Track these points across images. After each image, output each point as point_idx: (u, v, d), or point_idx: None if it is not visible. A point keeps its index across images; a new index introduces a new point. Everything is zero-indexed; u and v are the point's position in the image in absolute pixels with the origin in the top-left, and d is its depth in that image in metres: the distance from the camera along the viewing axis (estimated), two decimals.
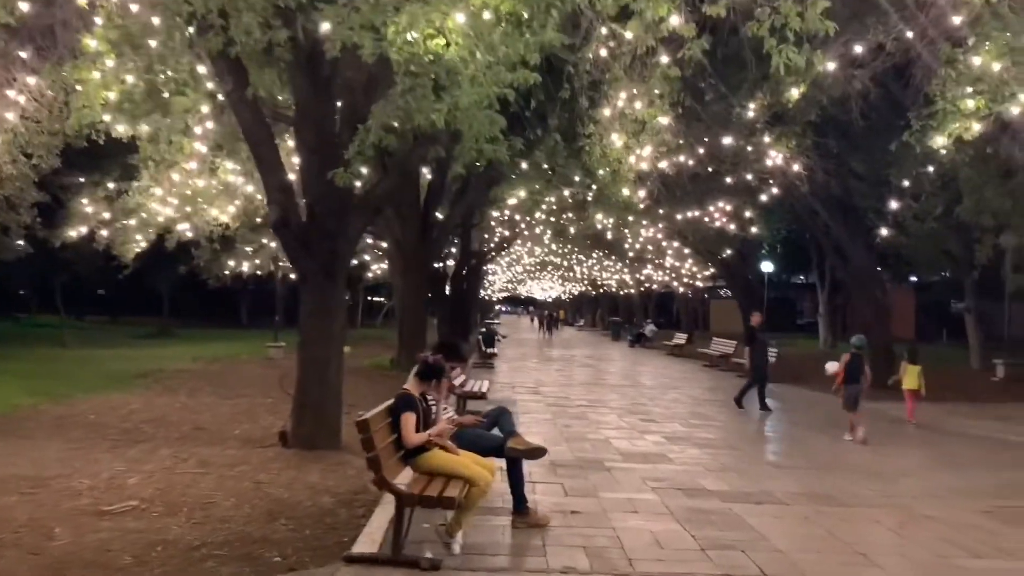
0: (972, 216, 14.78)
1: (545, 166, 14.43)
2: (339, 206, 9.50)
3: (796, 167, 17.22)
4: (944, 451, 11.75)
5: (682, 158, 17.68)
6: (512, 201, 17.97)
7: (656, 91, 12.32)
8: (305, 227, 9.51)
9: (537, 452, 6.69)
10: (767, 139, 16.19)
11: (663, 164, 13.22)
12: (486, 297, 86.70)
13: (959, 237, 19.64)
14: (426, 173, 19.17)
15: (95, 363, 21.12)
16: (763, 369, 15.92)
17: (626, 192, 13.67)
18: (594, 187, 15.28)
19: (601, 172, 13.14)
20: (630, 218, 16.99)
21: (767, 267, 44.60)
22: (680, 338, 35.08)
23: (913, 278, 43.65)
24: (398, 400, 6.20)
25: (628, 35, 8.66)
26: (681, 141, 13.07)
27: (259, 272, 27.80)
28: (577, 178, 15.14)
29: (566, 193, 16.83)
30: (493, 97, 7.43)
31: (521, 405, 14.89)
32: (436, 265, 30.23)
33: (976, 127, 11.99)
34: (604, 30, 9.26)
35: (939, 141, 12.60)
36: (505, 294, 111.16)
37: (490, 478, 6.10)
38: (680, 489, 8.21)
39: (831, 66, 11.92)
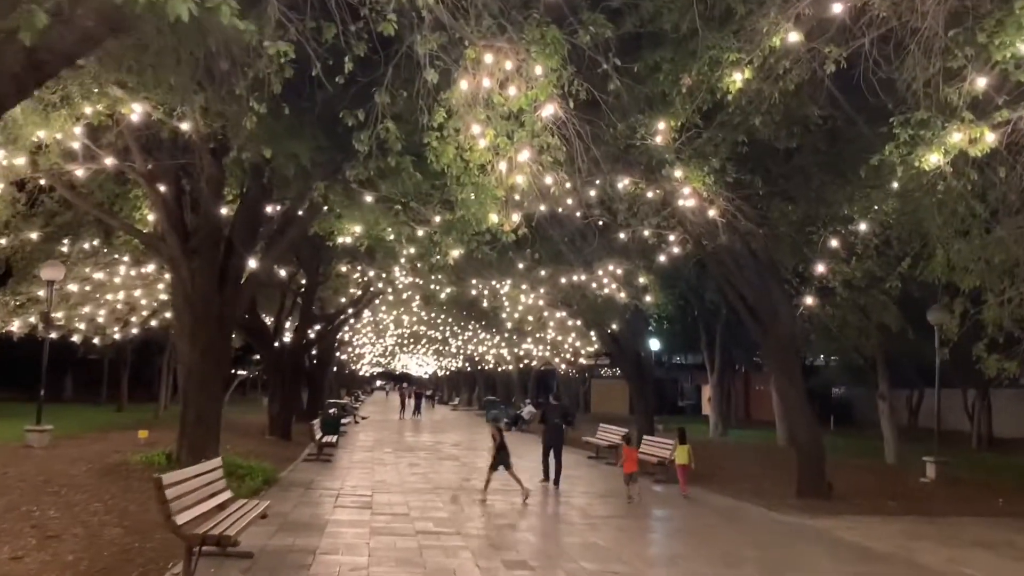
0: (943, 274, 11.46)
1: (380, 185, 9.95)
2: None
3: (712, 212, 13.42)
4: None
5: (568, 201, 13.72)
6: (345, 240, 13.30)
7: (537, 68, 8.21)
8: None
9: None
10: (677, 173, 12.28)
11: (548, 181, 9.01)
12: (355, 372, 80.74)
13: (907, 306, 16.41)
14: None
15: None
16: None
17: (494, 218, 9.35)
18: (442, 207, 10.85)
19: (457, 180, 8.75)
20: (489, 250, 12.53)
21: (654, 344, 41.47)
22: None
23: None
24: None
25: None
26: (566, 154, 8.89)
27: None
28: (428, 198, 10.68)
29: (420, 233, 12.32)
30: None
31: (328, 535, 10.02)
32: (265, 328, 25.00)
33: (990, 138, 8.42)
34: None
35: (932, 160, 8.99)
36: (379, 369, 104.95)
37: None
38: None
39: (794, 37, 8.15)
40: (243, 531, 7.37)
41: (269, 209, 15.24)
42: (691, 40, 8.88)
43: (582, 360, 42.56)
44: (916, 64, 8.63)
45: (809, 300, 16.22)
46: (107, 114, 10.58)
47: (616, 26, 9.29)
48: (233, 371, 60.49)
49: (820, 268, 15.21)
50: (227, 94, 8.26)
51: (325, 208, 12.66)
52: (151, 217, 15.25)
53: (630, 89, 9.25)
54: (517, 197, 9.29)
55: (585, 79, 8.75)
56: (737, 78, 8.52)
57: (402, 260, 19.22)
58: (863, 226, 13.74)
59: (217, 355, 13.89)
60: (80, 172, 12.87)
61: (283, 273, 24.76)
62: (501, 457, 14.39)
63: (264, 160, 11.33)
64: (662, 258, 17.87)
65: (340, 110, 8.48)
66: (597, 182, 13.22)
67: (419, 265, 19.34)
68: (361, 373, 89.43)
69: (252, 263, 14.81)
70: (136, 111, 10.43)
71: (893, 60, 8.61)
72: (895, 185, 11.83)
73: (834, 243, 14.64)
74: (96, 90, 9.98)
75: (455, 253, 12.28)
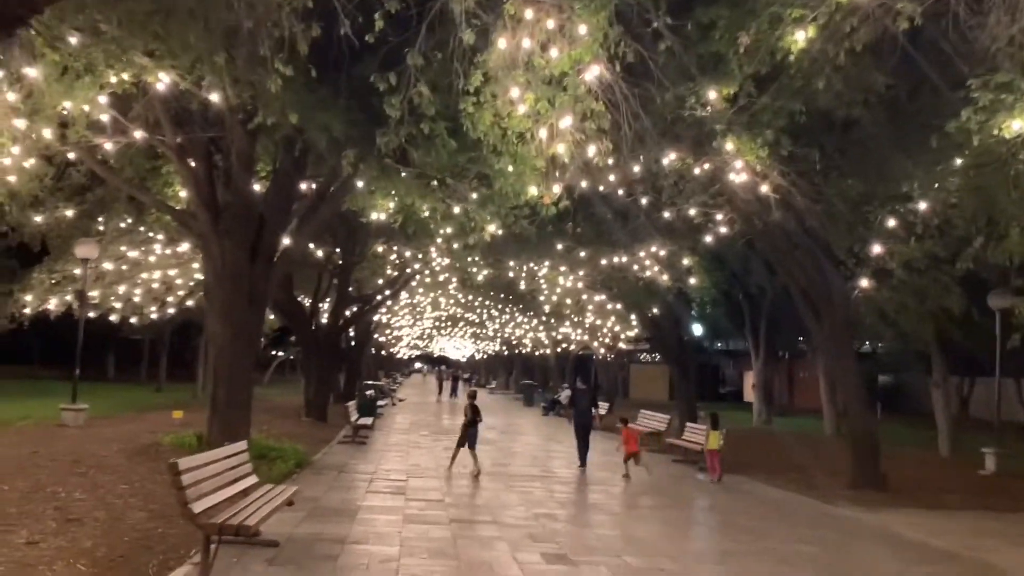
0: (1018, 255, 10.59)
1: (417, 161, 9.38)
2: None
3: (765, 188, 12.68)
4: None
5: (611, 177, 13.05)
6: (379, 217, 12.75)
7: (581, 26, 7.58)
8: None
9: None
10: (729, 146, 11.53)
11: (591, 152, 8.36)
12: (393, 354, 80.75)
13: (968, 290, 15.47)
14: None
15: None
16: None
17: (533, 190, 8.74)
18: (479, 182, 10.24)
19: (494, 149, 8.16)
20: (529, 224, 11.83)
21: (696, 329, 40.66)
22: (600, 408, 30.13)
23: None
24: None
25: None
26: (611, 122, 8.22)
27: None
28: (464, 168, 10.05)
29: (456, 210, 11.75)
30: None
31: (359, 522, 9.60)
32: (301, 308, 24.73)
33: None
34: None
35: (1014, 127, 8.20)
36: (417, 352, 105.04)
37: None
38: None
39: None
40: (266, 519, 6.93)
41: (304, 186, 14.83)
42: None
43: (621, 345, 41.81)
44: (999, 22, 7.86)
45: (865, 282, 15.39)
46: (133, 83, 10.16)
47: None
48: (273, 352, 61.29)
49: (877, 249, 14.40)
50: (251, 56, 7.77)
51: (360, 184, 12.21)
52: (183, 194, 14.92)
53: (682, 50, 8.55)
54: (558, 169, 8.68)
55: (633, 39, 8.10)
56: (799, 37, 7.80)
57: (438, 240, 18.73)
58: (923, 204, 12.89)
59: (248, 334, 13.53)
60: (109, 145, 12.53)
61: (320, 253, 24.44)
62: (469, 435, 14.93)
63: (296, 132, 10.89)
64: (708, 238, 17.16)
65: (371, 75, 7.93)
66: (642, 157, 12.58)
67: (455, 246, 18.83)
68: (399, 356, 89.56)
69: (285, 240, 14.44)
70: (163, 80, 10.01)
71: (972, 17, 7.84)
72: (959, 162, 11.04)
73: (892, 222, 13.83)
74: (122, 58, 9.59)
75: (491, 228, 11.69)
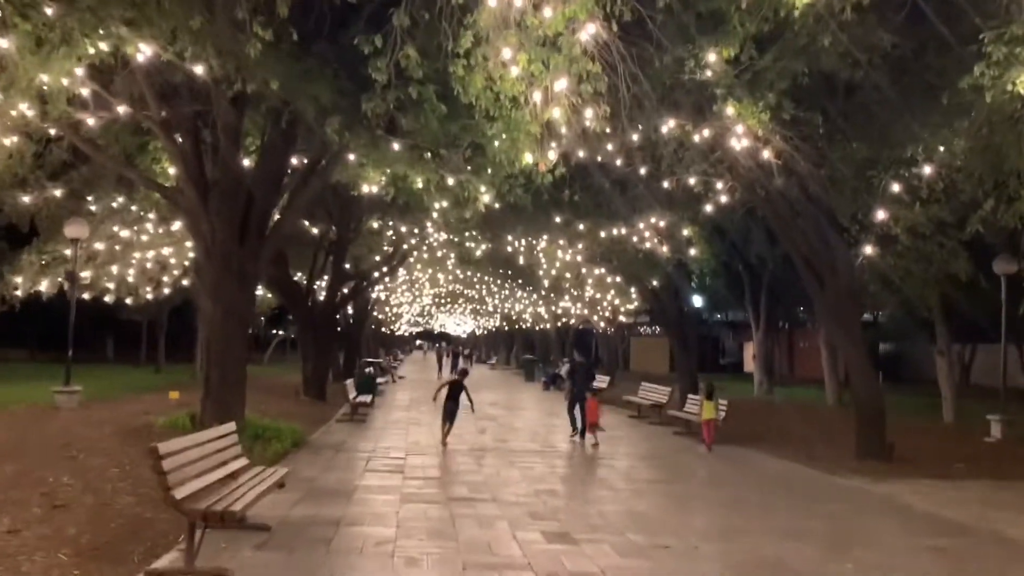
0: None
1: (404, 126, 9.01)
2: None
3: (767, 153, 12.33)
4: None
5: (609, 146, 12.71)
6: (371, 189, 12.39)
7: None
8: None
9: None
10: (729, 111, 11.16)
11: (588, 116, 8.01)
12: (393, 332, 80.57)
13: (972, 255, 15.18)
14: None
15: None
16: None
17: (528, 158, 8.41)
18: (473, 152, 9.87)
19: (487, 114, 7.81)
20: (524, 193, 11.45)
21: (698, 301, 40.42)
22: (601, 381, 29.96)
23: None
24: None
25: None
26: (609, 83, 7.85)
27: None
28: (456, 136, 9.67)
29: (451, 181, 11.40)
30: None
31: (355, 503, 9.38)
32: (297, 286, 24.41)
33: None
34: None
35: None
36: (418, 328, 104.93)
37: None
38: None
39: None
40: (253, 504, 6.67)
41: (295, 161, 14.49)
42: None
43: (621, 318, 41.58)
44: None
45: (869, 249, 15.08)
46: (112, 54, 9.78)
47: None
48: (274, 331, 60.97)
49: (881, 214, 14.06)
50: (230, 20, 7.40)
51: (351, 157, 11.86)
52: (172, 170, 14.58)
53: (681, 8, 8.17)
54: (553, 135, 8.33)
55: None
56: None
57: (434, 215, 18.39)
58: (927, 169, 12.56)
59: (240, 312, 13.24)
60: (92, 121, 12.17)
61: (315, 231, 24.11)
62: (448, 409, 15.49)
63: (283, 103, 10.53)
64: (708, 208, 16.83)
65: (356, 36, 7.56)
66: (640, 125, 12.23)
67: (451, 220, 18.51)
68: (400, 333, 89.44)
69: (275, 216, 14.12)
70: (143, 52, 9.63)
71: None
72: (965, 124, 10.70)
73: (896, 187, 13.50)
74: (99, 28, 9.20)
75: (486, 199, 11.35)
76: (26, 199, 17.41)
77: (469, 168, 11.16)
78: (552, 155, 8.85)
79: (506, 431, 18.41)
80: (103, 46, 9.53)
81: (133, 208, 18.95)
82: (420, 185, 11.78)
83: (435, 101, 8.42)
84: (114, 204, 18.77)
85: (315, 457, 12.99)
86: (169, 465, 5.87)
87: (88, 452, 11.30)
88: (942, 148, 11.74)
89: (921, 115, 11.80)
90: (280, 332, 60.10)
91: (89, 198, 18.43)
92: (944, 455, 15.40)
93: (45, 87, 10.49)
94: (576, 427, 16.93)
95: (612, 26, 7.80)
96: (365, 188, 11.97)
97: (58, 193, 17.53)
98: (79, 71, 9.89)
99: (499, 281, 40.76)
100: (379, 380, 27.11)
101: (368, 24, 7.65)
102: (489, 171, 10.11)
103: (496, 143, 8.44)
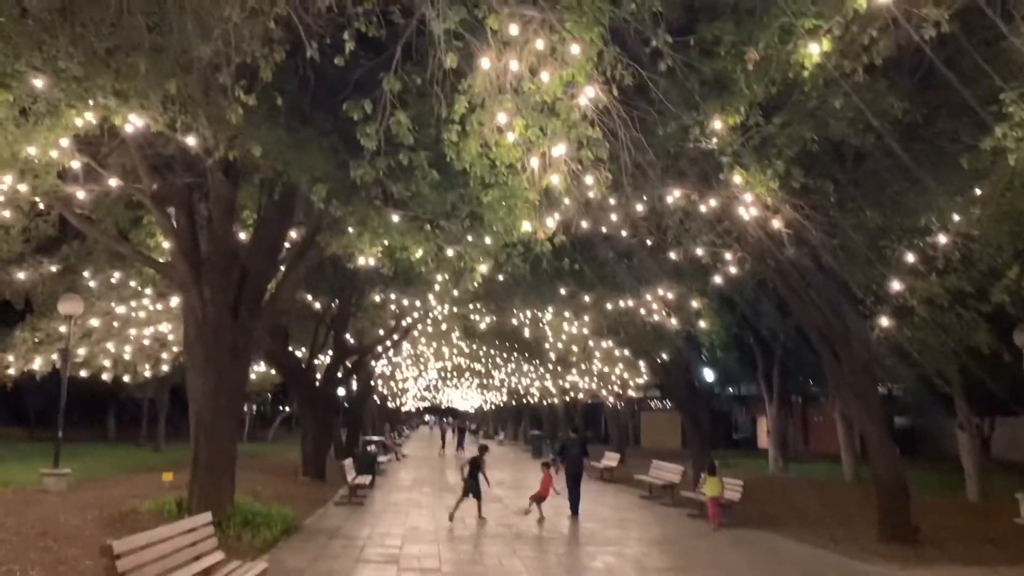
0: None
1: (393, 191, 8.64)
2: None
3: (776, 223, 11.92)
4: None
5: (612, 216, 12.36)
6: (367, 262, 11.99)
7: (573, 46, 6.90)
8: None
9: None
10: (737, 179, 10.79)
11: (589, 183, 7.64)
12: (400, 407, 79.40)
13: (995, 325, 14.62)
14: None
15: None
16: None
17: (527, 226, 8.00)
18: (472, 221, 9.46)
19: (482, 181, 7.42)
20: (522, 263, 10.99)
21: (709, 375, 39.69)
22: (611, 458, 29.08)
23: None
24: None
25: None
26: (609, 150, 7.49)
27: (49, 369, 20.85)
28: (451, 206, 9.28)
29: (450, 253, 10.99)
30: None
31: None
32: (297, 361, 23.85)
33: None
34: None
35: None
36: (425, 404, 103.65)
37: None
38: None
39: None
40: None
41: (293, 234, 14.16)
42: (757, 7, 7.50)
43: (631, 392, 40.75)
44: None
45: (885, 321, 14.52)
46: (99, 125, 9.52)
47: None
48: (280, 407, 60.05)
49: (896, 285, 13.57)
50: (211, 85, 7.10)
51: (350, 229, 11.50)
52: (167, 245, 14.25)
53: (684, 71, 7.84)
54: (553, 202, 7.93)
55: (630, 59, 7.41)
56: (814, 50, 7.10)
57: (436, 287, 17.99)
58: (943, 238, 12.14)
59: (230, 390, 12.70)
60: (82, 194, 11.88)
61: (317, 305, 23.70)
62: (472, 486, 15.95)
63: (275, 174, 10.22)
64: (717, 279, 16.38)
65: (344, 102, 7.24)
66: (644, 196, 11.88)
67: (454, 292, 18.09)
68: (406, 408, 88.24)
69: (270, 290, 13.71)
70: (132, 123, 9.35)
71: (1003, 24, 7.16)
72: (982, 190, 10.32)
73: (910, 257, 13.04)
74: (86, 98, 8.94)
75: (483, 268, 10.92)
76: (21, 275, 17.11)
77: (469, 238, 10.78)
78: (551, 222, 8.46)
79: (510, 515, 17.57)
80: (90, 117, 9.28)
81: (131, 284, 18.63)
82: (419, 255, 11.35)
83: (427, 167, 8.06)
84: (112, 279, 18.46)
85: (306, 545, 12.26)
86: (127, 566, 5.26)
87: (64, 541, 10.63)
88: (956, 217, 11.35)
89: (934, 182, 11.44)
90: (286, 408, 59.27)
91: (85, 273, 18.12)
92: (973, 536, 14.52)
93: (35, 160, 10.23)
94: (575, 511, 17.00)
95: (612, 90, 7.48)
96: (361, 261, 11.55)
97: (53, 268, 17.23)
98: (66, 143, 9.61)
99: (505, 355, 40.14)
100: (382, 458, 26.34)
101: (358, 89, 7.34)
102: (487, 240, 9.69)
103: (492, 211, 8.04)
